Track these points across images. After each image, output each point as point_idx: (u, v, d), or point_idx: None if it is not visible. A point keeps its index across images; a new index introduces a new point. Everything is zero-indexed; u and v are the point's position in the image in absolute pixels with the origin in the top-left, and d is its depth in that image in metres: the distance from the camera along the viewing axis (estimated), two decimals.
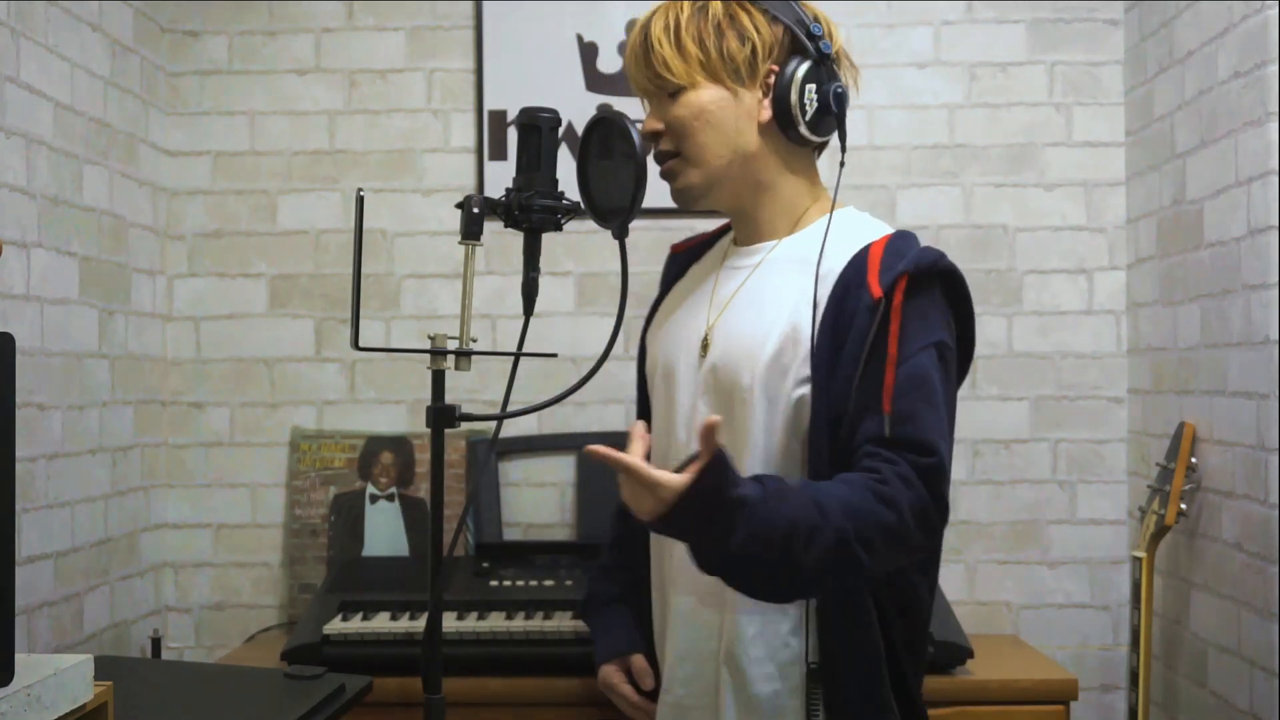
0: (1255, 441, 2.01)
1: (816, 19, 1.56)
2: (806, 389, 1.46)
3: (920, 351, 1.42)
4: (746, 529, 1.29)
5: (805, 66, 1.52)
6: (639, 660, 1.72)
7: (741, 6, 1.54)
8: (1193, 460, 2.18)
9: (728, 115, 1.53)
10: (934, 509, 1.39)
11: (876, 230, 1.55)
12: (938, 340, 1.44)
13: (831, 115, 1.54)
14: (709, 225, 1.81)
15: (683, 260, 1.77)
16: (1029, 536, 2.56)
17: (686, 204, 1.59)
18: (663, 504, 1.28)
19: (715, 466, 1.28)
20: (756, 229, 1.60)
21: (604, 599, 1.83)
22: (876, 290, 1.42)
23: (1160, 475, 2.20)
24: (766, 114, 1.54)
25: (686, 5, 1.54)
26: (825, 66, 1.54)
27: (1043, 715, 2.07)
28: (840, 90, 1.53)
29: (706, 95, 1.53)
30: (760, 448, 1.50)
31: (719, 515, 1.29)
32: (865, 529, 1.34)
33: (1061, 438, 2.56)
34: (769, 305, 1.52)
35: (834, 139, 1.59)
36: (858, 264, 1.47)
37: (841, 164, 1.54)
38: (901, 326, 1.42)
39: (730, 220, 1.68)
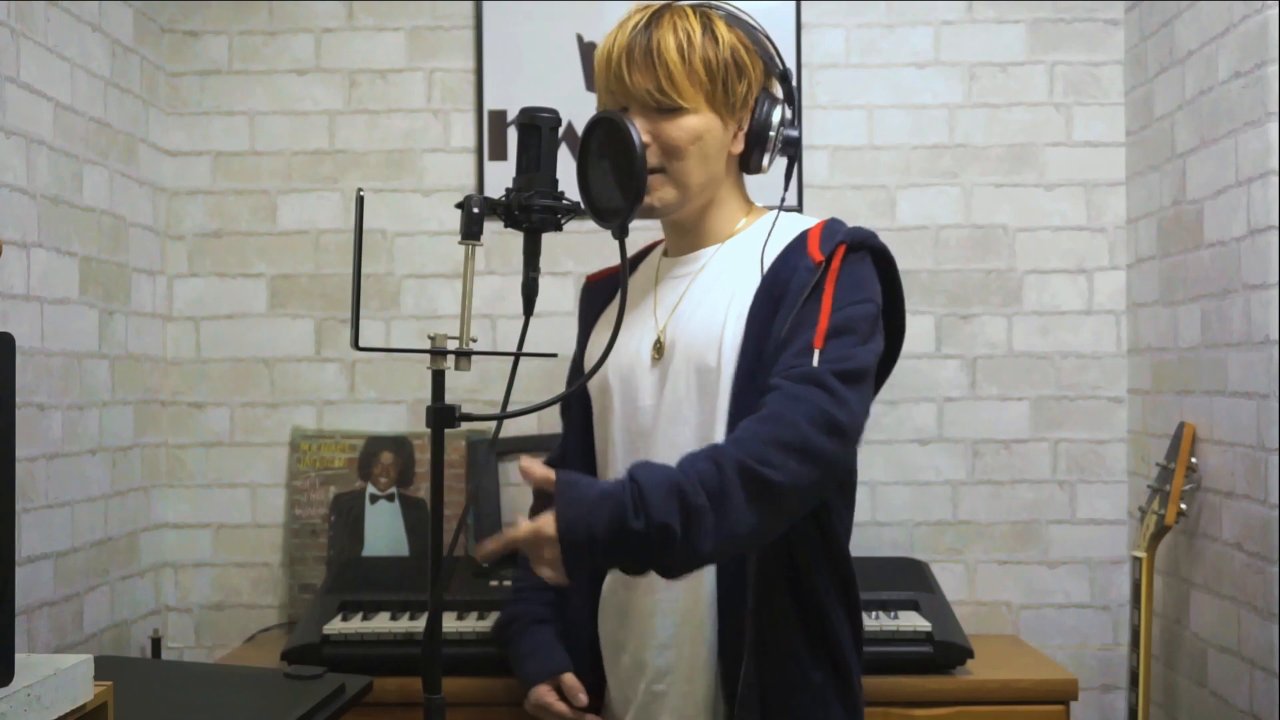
0: (1255, 441, 2.01)
1: (780, 57, 1.64)
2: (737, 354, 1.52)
3: (851, 305, 1.48)
4: (638, 506, 1.29)
5: (780, 111, 1.60)
6: (569, 678, 1.71)
7: (738, 37, 1.58)
8: (1193, 460, 2.18)
9: (715, 145, 1.58)
10: (837, 409, 1.38)
11: (810, 222, 1.62)
12: (867, 297, 1.51)
13: (781, 155, 1.63)
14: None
15: (606, 289, 1.77)
16: (1029, 536, 2.56)
17: (657, 215, 1.63)
18: (555, 541, 1.29)
19: (562, 483, 1.32)
20: (696, 238, 1.66)
21: (527, 619, 1.80)
22: (817, 255, 1.51)
23: (1160, 475, 2.20)
24: (739, 147, 1.62)
25: (695, 26, 1.56)
26: (792, 109, 1.63)
27: (1043, 715, 2.07)
28: (796, 136, 1.63)
29: (705, 123, 1.56)
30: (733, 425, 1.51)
31: (601, 512, 1.29)
32: (756, 449, 1.34)
33: (1061, 438, 2.56)
34: (721, 294, 1.57)
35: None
36: (797, 242, 1.56)
37: (783, 200, 1.62)
38: (837, 285, 1.49)
39: (672, 230, 1.69)
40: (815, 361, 1.42)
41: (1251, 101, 2.03)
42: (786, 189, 1.64)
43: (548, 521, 1.30)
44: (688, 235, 1.66)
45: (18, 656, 1.12)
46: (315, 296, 2.62)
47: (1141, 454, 2.48)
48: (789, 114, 1.62)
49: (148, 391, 2.52)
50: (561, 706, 1.70)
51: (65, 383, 2.17)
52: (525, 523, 1.32)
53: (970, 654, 2.09)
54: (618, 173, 1.49)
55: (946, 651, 2.06)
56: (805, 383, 1.40)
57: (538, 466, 1.36)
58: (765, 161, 1.61)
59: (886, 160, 2.58)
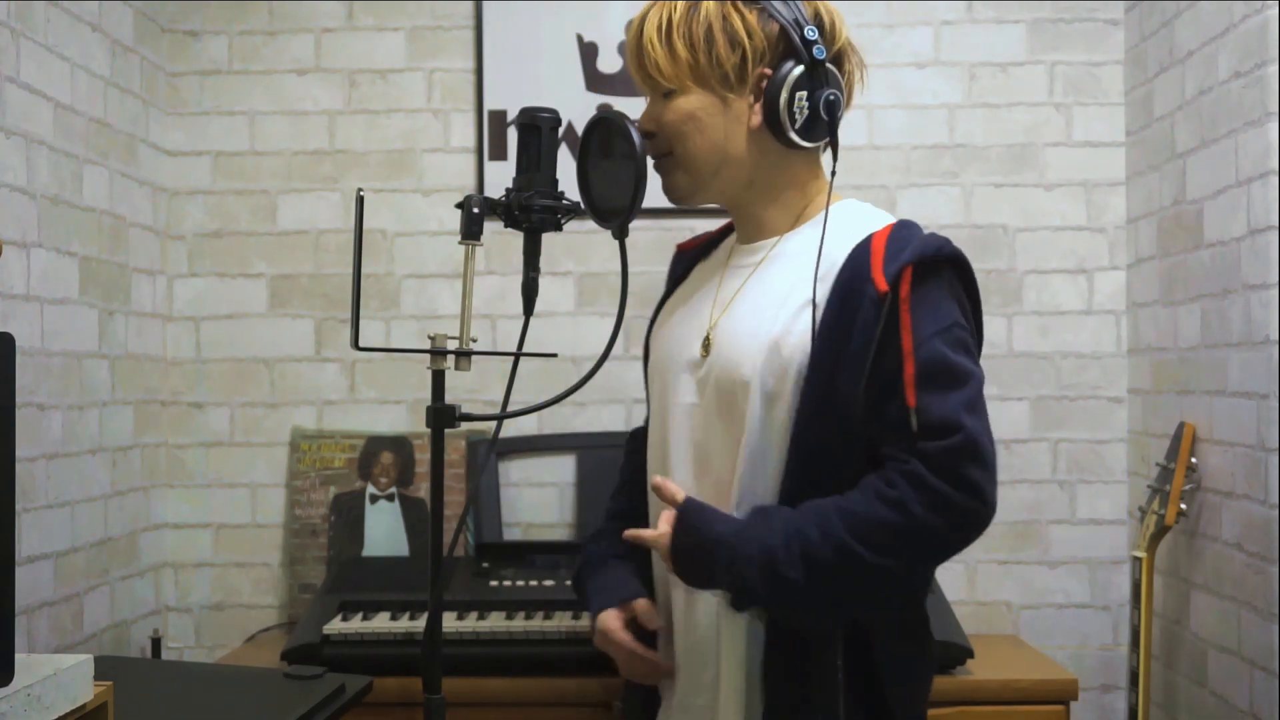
0: (1255, 441, 2.01)
1: (818, 16, 1.52)
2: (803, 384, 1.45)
3: (933, 338, 1.39)
4: (727, 560, 1.40)
5: (796, 72, 1.48)
6: (642, 603, 1.59)
7: (735, 6, 1.49)
8: (1193, 460, 2.18)
9: (716, 122, 1.51)
10: (956, 495, 1.34)
11: (878, 220, 1.52)
12: (949, 323, 1.42)
13: (823, 122, 1.50)
14: (708, 224, 1.81)
15: (689, 259, 1.76)
16: (1029, 536, 2.56)
17: (676, 202, 1.59)
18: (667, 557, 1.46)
19: (684, 515, 1.44)
20: (758, 227, 1.59)
21: (601, 558, 1.72)
22: (881, 284, 1.40)
23: (1160, 475, 2.20)
24: (757, 119, 1.51)
25: (680, 4, 1.51)
26: (819, 71, 1.49)
27: (1043, 715, 2.07)
28: (832, 98, 1.49)
29: (695, 102, 1.51)
30: (756, 442, 1.48)
31: (700, 556, 1.43)
32: (860, 527, 1.35)
33: (1061, 438, 2.56)
34: (768, 301, 1.51)
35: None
36: (859, 256, 1.44)
37: (833, 173, 1.52)
38: (912, 318, 1.39)
39: (732, 218, 1.67)
40: (914, 423, 1.36)
41: (1251, 101, 2.03)
42: (836, 158, 1.50)
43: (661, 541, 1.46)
44: (748, 222, 1.59)
45: (18, 656, 1.12)
46: (315, 296, 2.62)
47: (1141, 454, 2.48)
48: (817, 79, 1.48)
49: (148, 391, 2.52)
50: (624, 636, 1.58)
51: (65, 383, 2.17)
52: (653, 533, 1.48)
53: (970, 654, 2.09)
54: (618, 173, 1.48)
55: (946, 651, 2.06)
56: (916, 463, 1.36)
57: (670, 485, 1.49)
58: (791, 133, 1.49)
59: (886, 160, 2.58)
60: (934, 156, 2.59)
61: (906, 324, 1.39)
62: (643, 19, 1.55)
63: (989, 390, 2.52)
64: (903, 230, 1.47)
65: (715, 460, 1.52)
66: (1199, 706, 2.22)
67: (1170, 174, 2.35)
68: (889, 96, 2.57)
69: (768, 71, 1.50)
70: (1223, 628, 2.13)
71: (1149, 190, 2.45)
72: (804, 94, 1.49)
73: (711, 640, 1.51)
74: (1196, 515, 2.21)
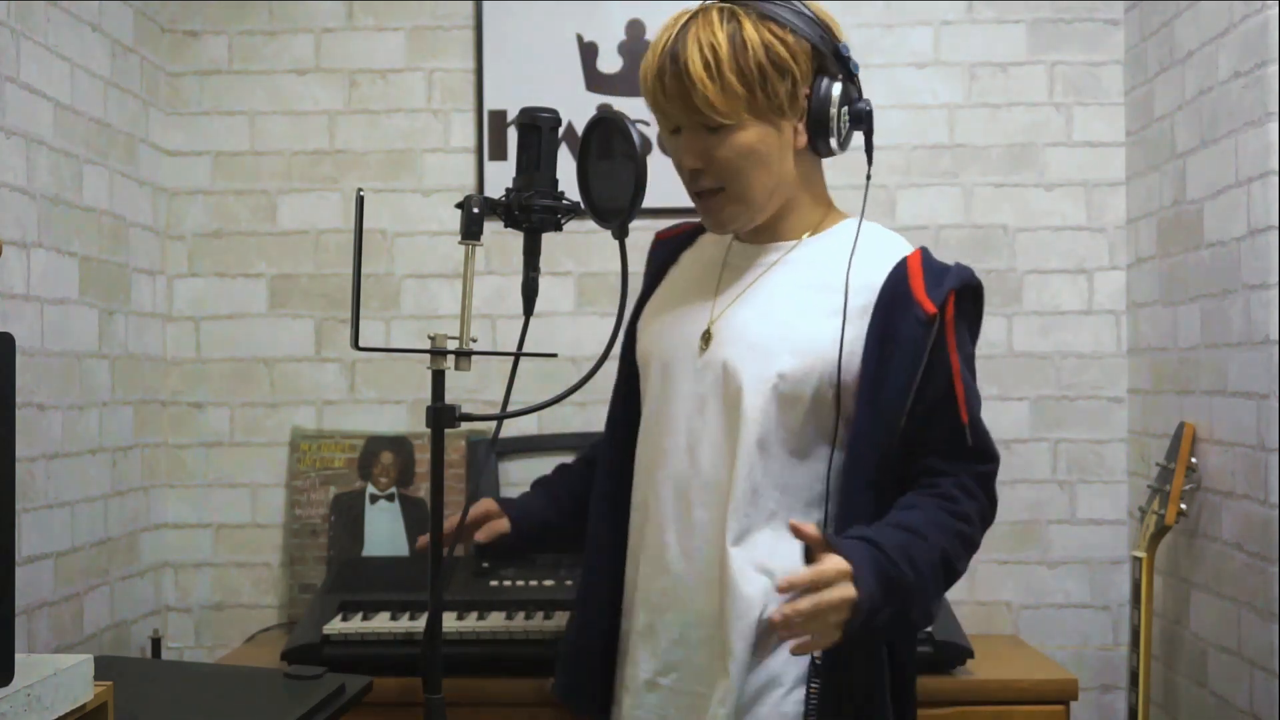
0: (1255, 441, 2.01)
1: (828, 27, 1.56)
2: (832, 394, 1.51)
3: (965, 363, 1.53)
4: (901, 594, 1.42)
5: (838, 89, 1.54)
6: (499, 522, 1.80)
7: (772, 32, 1.51)
8: (1193, 460, 2.18)
9: (773, 151, 1.54)
10: (990, 511, 1.55)
11: (897, 243, 1.59)
12: (970, 352, 1.57)
13: (855, 130, 1.58)
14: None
15: (671, 247, 1.76)
16: (1029, 536, 2.56)
17: (724, 233, 1.63)
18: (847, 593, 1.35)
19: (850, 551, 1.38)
20: (771, 230, 1.62)
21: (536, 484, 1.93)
22: (929, 306, 1.48)
23: (1160, 475, 2.20)
24: (803, 139, 1.56)
25: (720, 35, 1.49)
26: (853, 83, 1.57)
27: (1043, 715, 2.07)
28: (868, 109, 1.57)
29: (754, 135, 1.52)
30: (759, 437, 1.51)
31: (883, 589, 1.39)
32: (953, 545, 1.48)
33: (1061, 438, 2.56)
34: (790, 307, 1.54)
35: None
36: (898, 278, 1.51)
37: (869, 177, 1.58)
38: (958, 343, 1.51)
39: None
40: (969, 438, 1.51)
41: (1251, 101, 2.03)
42: (870, 164, 1.59)
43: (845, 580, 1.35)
44: (762, 227, 1.62)
45: (18, 656, 1.12)
46: (315, 296, 2.62)
47: (1141, 454, 2.48)
48: (852, 91, 1.57)
49: (148, 391, 2.52)
50: (476, 510, 1.79)
51: (65, 383, 2.17)
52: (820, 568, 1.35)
53: (970, 654, 2.09)
54: (618, 173, 1.49)
55: (946, 651, 2.06)
56: (965, 476, 1.52)
57: (809, 527, 1.39)
58: (834, 144, 1.57)
59: (886, 160, 2.58)
60: (934, 156, 2.59)
61: (952, 345, 1.49)
62: (672, 51, 1.51)
63: (989, 390, 2.55)
64: (929, 258, 1.56)
65: (708, 451, 1.54)
66: (1199, 706, 2.22)
67: (1170, 174, 2.35)
68: (889, 96, 2.57)
69: (808, 91, 1.54)
70: (1223, 628, 2.13)
71: (1149, 190, 2.45)
72: (846, 109, 1.56)
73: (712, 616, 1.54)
74: (1196, 515, 2.21)
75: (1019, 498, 2.55)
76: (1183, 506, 2.14)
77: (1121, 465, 2.56)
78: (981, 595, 2.56)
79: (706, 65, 1.49)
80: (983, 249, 2.57)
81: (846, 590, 1.33)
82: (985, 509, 1.54)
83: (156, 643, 2.36)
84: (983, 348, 2.55)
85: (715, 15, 1.52)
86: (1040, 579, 2.55)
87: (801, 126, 1.55)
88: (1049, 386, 2.57)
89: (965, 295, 1.53)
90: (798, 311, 1.53)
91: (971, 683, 2.07)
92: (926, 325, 1.47)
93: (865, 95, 1.61)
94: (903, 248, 1.57)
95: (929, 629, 2.06)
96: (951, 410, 1.50)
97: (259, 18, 2.63)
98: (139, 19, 2.48)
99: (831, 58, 1.54)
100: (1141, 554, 2.18)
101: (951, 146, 2.58)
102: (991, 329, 2.56)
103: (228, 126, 2.63)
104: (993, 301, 2.56)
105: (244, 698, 1.58)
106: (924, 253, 1.55)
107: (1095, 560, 2.55)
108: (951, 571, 1.49)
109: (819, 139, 1.56)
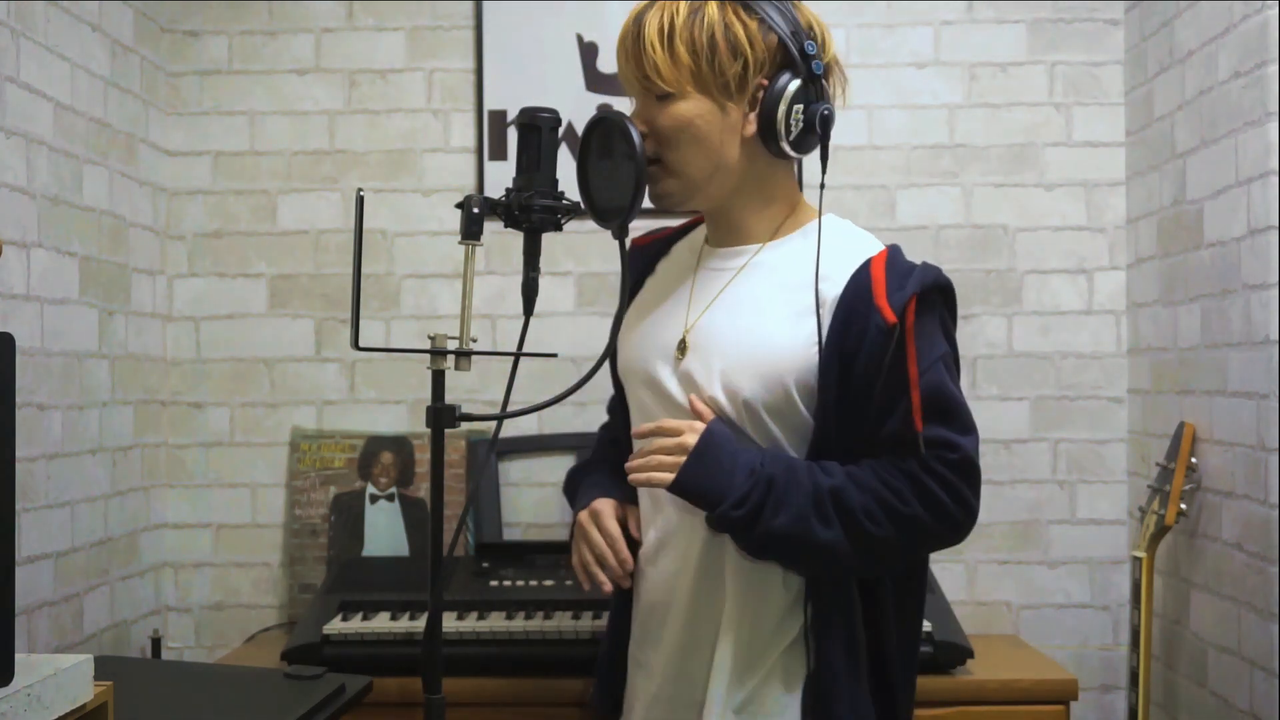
0: (1255, 441, 2.01)
1: (811, 29, 1.54)
2: (807, 402, 1.50)
3: (933, 366, 1.47)
4: (760, 462, 1.46)
5: (794, 85, 1.50)
6: (636, 510, 1.67)
7: (737, 15, 1.50)
8: (1193, 460, 2.18)
9: (713, 129, 1.52)
10: (951, 502, 1.46)
11: (865, 242, 1.56)
12: (943, 352, 1.50)
13: (815, 135, 1.53)
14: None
15: (648, 256, 1.76)
16: (1029, 536, 2.56)
17: (665, 208, 1.60)
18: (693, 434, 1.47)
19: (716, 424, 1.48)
20: (735, 232, 1.61)
21: (598, 463, 1.82)
22: (889, 314, 1.45)
23: (1160, 475, 2.20)
24: (751, 128, 1.53)
25: (683, 6, 1.51)
26: (815, 85, 1.53)
27: (1043, 715, 2.07)
28: (827, 112, 1.52)
29: (694, 107, 1.51)
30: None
31: (728, 450, 1.46)
32: (866, 500, 1.45)
33: (1061, 438, 2.56)
34: (758, 313, 1.53)
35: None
36: (860, 283, 1.48)
37: (822, 186, 1.55)
38: (917, 349, 1.46)
39: (703, 217, 1.68)
40: (922, 447, 1.45)
41: (1251, 101, 2.03)
42: (825, 170, 1.54)
43: (691, 434, 1.48)
44: (725, 226, 1.61)
45: (18, 656, 1.12)
46: (315, 296, 2.62)
47: (1141, 454, 2.48)
48: (812, 93, 1.52)
49: (148, 391, 2.52)
50: (614, 522, 1.65)
51: (65, 383, 2.17)
52: (675, 423, 1.50)
53: (970, 654, 2.09)
54: (618, 173, 1.49)
55: (947, 651, 2.06)
56: (913, 463, 1.47)
57: (701, 404, 1.52)
58: (784, 144, 1.52)
59: (886, 160, 2.58)
60: (934, 156, 2.59)
61: (912, 354, 1.46)
62: (639, 18, 1.54)
63: (989, 390, 2.55)
64: (896, 257, 1.52)
65: None
66: (1199, 706, 2.22)
67: (1170, 174, 2.35)
68: (889, 96, 2.57)
69: (764, 82, 1.52)
70: (1223, 628, 2.13)
71: (1149, 190, 2.45)
72: (800, 107, 1.52)
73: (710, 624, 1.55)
74: (1196, 515, 2.21)
75: (1019, 498, 2.56)
76: (1183, 506, 2.14)
77: (1121, 465, 2.56)
78: (981, 595, 2.56)
79: (660, 31, 1.51)
80: (983, 249, 2.57)
81: (685, 439, 1.48)
82: (936, 498, 1.45)
83: (156, 643, 2.36)
84: (983, 348, 2.59)
85: None
86: (1040, 579, 2.55)
87: (753, 116, 1.53)
88: (1049, 386, 2.57)
89: (927, 298, 1.49)
90: (765, 319, 1.52)
91: (971, 683, 2.07)
92: (887, 334, 1.44)
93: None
94: (868, 248, 1.53)
95: (928, 629, 2.07)
96: (906, 419, 1.45)
97: (259, 18, 2.63)
98: (139, 19, 2.48)
99: (799, 56, 1.51)
100: (1141, 554, 2.18)
101: (951, 146, 2.58)
102: (991, 329, 2.56)
103: (228, 126, 2.63)
104: (992, 301, 2.56)
105: (244, 698, 1.58)
106: (891, 253, 1.52)
107: (1095, 560, 2.55)
108: (852, 519, 1.44)
109: (768, 132, 1.52)
